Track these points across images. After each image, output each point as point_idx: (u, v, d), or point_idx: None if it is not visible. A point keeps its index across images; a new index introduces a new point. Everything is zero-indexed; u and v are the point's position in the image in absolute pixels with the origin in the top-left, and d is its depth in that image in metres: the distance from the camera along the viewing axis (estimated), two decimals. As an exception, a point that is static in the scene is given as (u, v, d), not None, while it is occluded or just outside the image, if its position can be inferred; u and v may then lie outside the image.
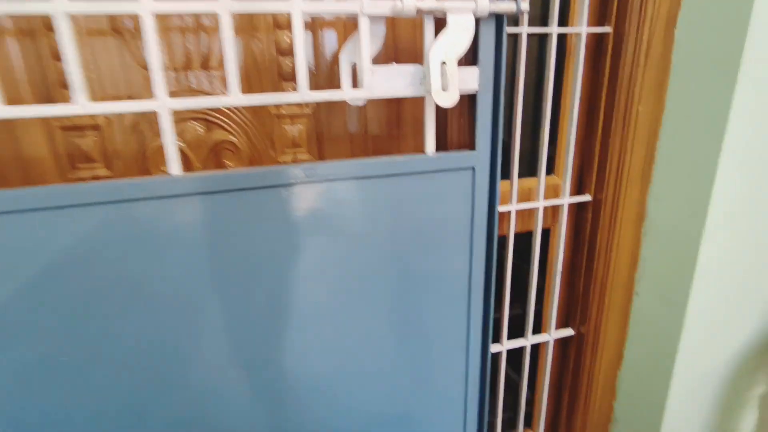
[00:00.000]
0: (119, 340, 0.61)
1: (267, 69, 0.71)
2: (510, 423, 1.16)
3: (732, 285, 0.82)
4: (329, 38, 0.73)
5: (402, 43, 0.75)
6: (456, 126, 0.81)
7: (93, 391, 0.62)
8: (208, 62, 0.69)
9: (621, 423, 1.00)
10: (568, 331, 1.02)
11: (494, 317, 0.81)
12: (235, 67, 0.56)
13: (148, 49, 0.52)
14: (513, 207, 0.88)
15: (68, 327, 0.59)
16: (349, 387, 0.74)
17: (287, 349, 0.69)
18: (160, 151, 0.70)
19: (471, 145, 0.70)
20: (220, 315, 0.64)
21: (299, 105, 0.74)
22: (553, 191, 0.93)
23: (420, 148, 0.69)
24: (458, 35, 0.61)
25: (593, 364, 0.98)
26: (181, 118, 0.70)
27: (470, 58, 0.66)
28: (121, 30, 0.65)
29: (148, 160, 0.71)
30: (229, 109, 0.72)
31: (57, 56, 0.63)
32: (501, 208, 0.86)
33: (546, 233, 0.98)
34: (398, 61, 0.76)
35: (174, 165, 0.58)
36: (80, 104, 0.52)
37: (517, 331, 1.00)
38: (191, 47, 0.68)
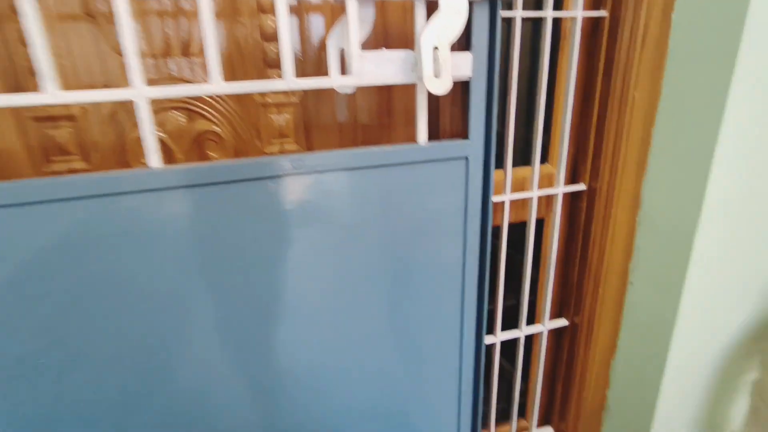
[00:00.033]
0: (103, 338, 0.59)
1: (251, 55, 0.68)
2: (504, 413, 1.16)
3: (726, 273, 0.81)
4: (316, 23, 0.70)
5: (392, 28, 0.72)
6: (448, 114, 0.78)
7: (79, 389, 0.60)
8: (189, 48, 0.66)
9: (614, 411, 1.00)
10: (562, 322, 1.02)
11: (488, 308, 0.80)
12: (216, 52, 0.53)
13: (121, 32, 0.49)
14: (507, 197, 0.86)
15: (49, 326, 0.56)
16: (342, 380, 0.73)
17: (278, 343, 0.67)
18: (140, 142, 0.67)
19: (464, 134, 0.68)
20: (207, 311, 0.62)
21: (285, 93, 0.71)
22: (547, 180, 0.91)
23: (411, 137, 0.67)
24: (451, 19, 0.58)
25: (587, 354, 0.98)
26: (161, 107, 0.67)
27: (463, 43, 0.63)
28: (94, 14, 0.61)
29: (128, 152, 0.68)
30: (211, 97, 0.69)
31: (25, 41, 0.59)
32: (495, 198, 0.85)
33: (540, 223, 0.96)
34: (388, 46, 0.73)
35: (153, 157, 0.55)
36: (50, 93, 0.49)
37: (510, 322, 0.99)
38: (171, 32, 0.65)
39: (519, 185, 0.89)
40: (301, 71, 0.71)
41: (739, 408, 0.97)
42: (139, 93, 0.51)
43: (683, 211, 0.77)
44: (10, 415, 0.58)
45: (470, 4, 0.60)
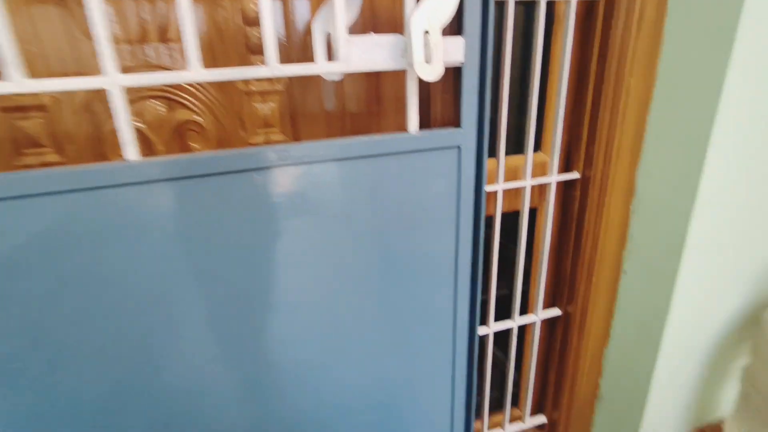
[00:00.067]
0: (85, 337, 0.56)
1: (232, 41, 0.65)
2: (497, 402, 1.16)
3: (720, 261, 0.81)
4: (301, 6, 0.67)
5: (381, 11, 0.70)
6: (440, 102, 0.76)
7: (64, 388, 0.58)
8: (167, 34, 0.63)
9: (607, 399, 1.00)
10: (555, 311, 1.01)
11: (481, 299, 0.79)
12: (194, 37, 0.50)
13: (92, 16, 0.46)
14: (500, 186, 0.84)
15: (27, 326, 0.54)
16: (334, 372, 0.72)
17: (268, 336, 0.65)
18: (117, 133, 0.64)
19: (456, 122, 0.66)
20: (194, 308, 0.60)
21: (270, 81, 0.68)
22: (540, 169, 0.90)
23: (402, 126, 0.64)
24: (441, 1, 0.56)
25: (580, 343, 0.97)
26: (138, 96, 0.63)
27: (454, 27, 0.61)
28: (63, -3, 0.58)
29: (105, 144, 0.64)
30: (192, 86, 0.65)
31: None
32: (487, 188, 0.83)
33: (533, 212, 0.95)
34: (377, 31, 0.70)
35: (130, 149, 0.52)
36: (16, 81, 0.46)
37: (503, 312, 0.99)
38: (147, 17, 0.61)
39: (512, 174, 0.87)
40: (286, 57, 0.68)
41: (730, 394, 0.98)
42: (112, 81, 0.48)
43: (678, 198, 0.76)
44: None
45: (462, -15, 0.57)
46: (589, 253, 0.90)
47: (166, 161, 0.53)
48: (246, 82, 0.67)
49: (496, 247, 0.89)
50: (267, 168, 0.58)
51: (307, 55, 0.69)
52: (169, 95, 0.65)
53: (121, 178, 0.52)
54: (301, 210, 0.61)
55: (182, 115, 0.66)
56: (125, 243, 0.55)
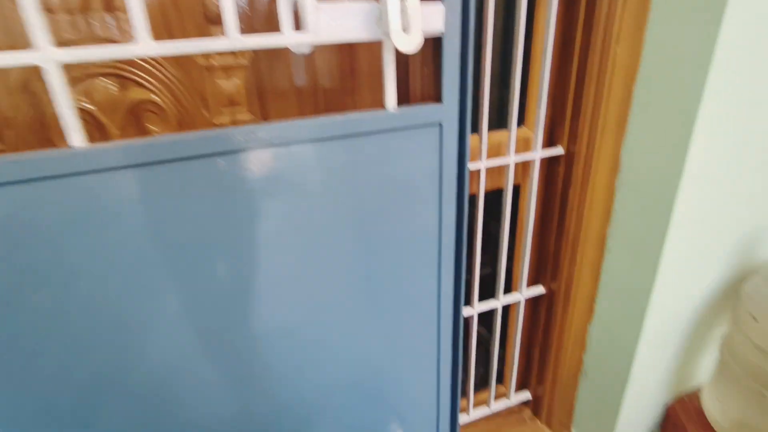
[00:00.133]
0: (57, 328, 0.52)
1: (189, 10, 0.59)
2: (482, 380, 1.16)
3: (704, 236, 0.80)
4: (264, -30, 0.61)
5: (352, -24, 0.64)
6: (419, 76, 0.71)
7: (37, 386, 0.54)
8: (113, 1, 0.56)
9: (590, 374, 1.01)
10: (539, 289, 1.00)
11: (465, 279, 0.76)
12: (141, 5, 0.44)
13: (13, -20, 0.40)
14: (483, 164, 0.81)
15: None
16: (318, 354, 0.70)
17: (249, 321, 0.62)
18: (63, 116, 0.57)
19: (437, 98, 0.62)
20: (166, 296, 0.56)
21: (233, 54, 0.62)
22: (523, 144, 0.86)
23: (379, 102, 0.60)
24: (419, -38, 0.50)
25: (564, 320, 0.97)
26: (84, 73, 0.57)
27: (433, -8, 0.56)
28: (-13, -41, 0.50)
29: (50, 129, 0.58)
30: (146, 61, 0.59)
31: None
32: (470, 166, 0.79)
33: (516, 189, 0.92)
34: (349, -2, 0.64)
35: (75, 134, 0.46)
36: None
37: (487, 290, 0.97)
38: (89, -17, 0.54)
39: (494, 150, 0.84)
40: (249, 28, 0.62)
41: (708, 362, 1.00)
42: (45, 56, 0.42)
43: (664, 174, 0.74)
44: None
45: (441, -55, 0.52)
46: (574, 230, 0.89)
47: (122, 146, 0.48)
48: (206, 56, 0.61)
49: (480, 226, 0.87)
50: (234, 152, 0.53)
51: (272, 26, 0.63)
52: (120, 72, 0.59)
53: (70, 168, 0.47)
54: (272, 196, 0.57)
55: (137, 94, 0.60)
56: (86, 235, 0.50)
